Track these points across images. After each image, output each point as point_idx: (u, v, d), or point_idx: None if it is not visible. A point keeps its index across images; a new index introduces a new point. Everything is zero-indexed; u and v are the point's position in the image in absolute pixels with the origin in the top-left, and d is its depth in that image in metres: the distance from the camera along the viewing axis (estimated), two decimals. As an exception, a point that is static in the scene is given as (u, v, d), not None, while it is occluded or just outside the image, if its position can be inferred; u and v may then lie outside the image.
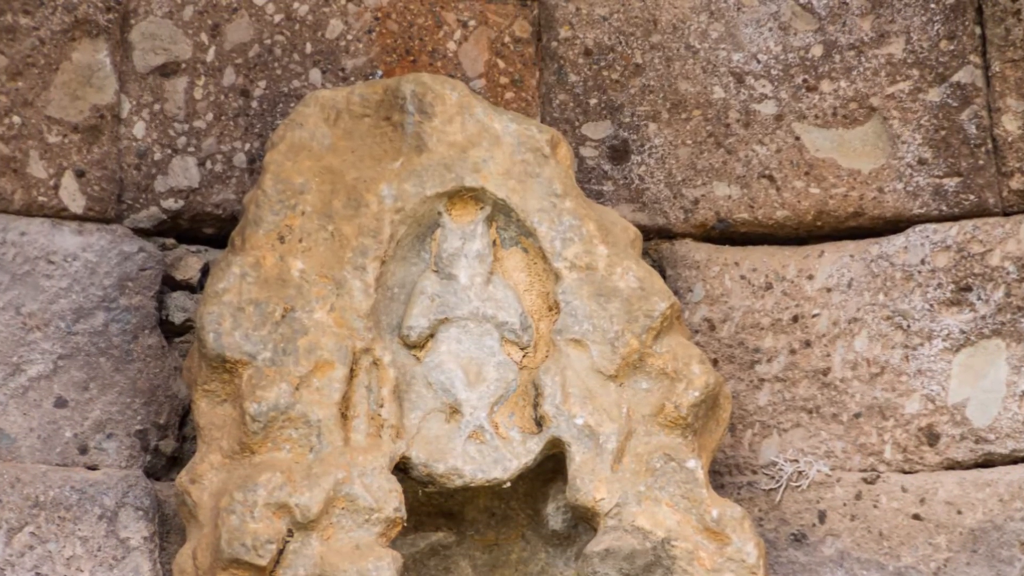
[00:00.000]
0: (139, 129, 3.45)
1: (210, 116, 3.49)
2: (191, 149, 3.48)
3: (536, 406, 3.08)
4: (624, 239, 3.21)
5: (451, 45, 3.61)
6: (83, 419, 3.27)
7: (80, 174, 3.35)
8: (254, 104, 3.52)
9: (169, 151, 3.46)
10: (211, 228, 3.49)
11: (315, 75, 3.54)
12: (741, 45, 3.54)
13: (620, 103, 3.56)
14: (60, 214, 3.35)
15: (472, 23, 3.62)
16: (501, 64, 3.61)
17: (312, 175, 3.13)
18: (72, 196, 3.35)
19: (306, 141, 3.17)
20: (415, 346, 3.12)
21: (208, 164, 3.49)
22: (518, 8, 3.65)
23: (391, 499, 2.95)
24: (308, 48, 3.54)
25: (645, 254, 3.41)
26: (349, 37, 3.55)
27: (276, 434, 2.97)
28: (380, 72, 3.55)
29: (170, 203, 3.46)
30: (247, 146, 3.50)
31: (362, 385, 3.03)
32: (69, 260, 3.31)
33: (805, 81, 3.52)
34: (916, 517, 3.34)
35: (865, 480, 3.39)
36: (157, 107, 3.47)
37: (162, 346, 3.38)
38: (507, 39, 3.63)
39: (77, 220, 3.36)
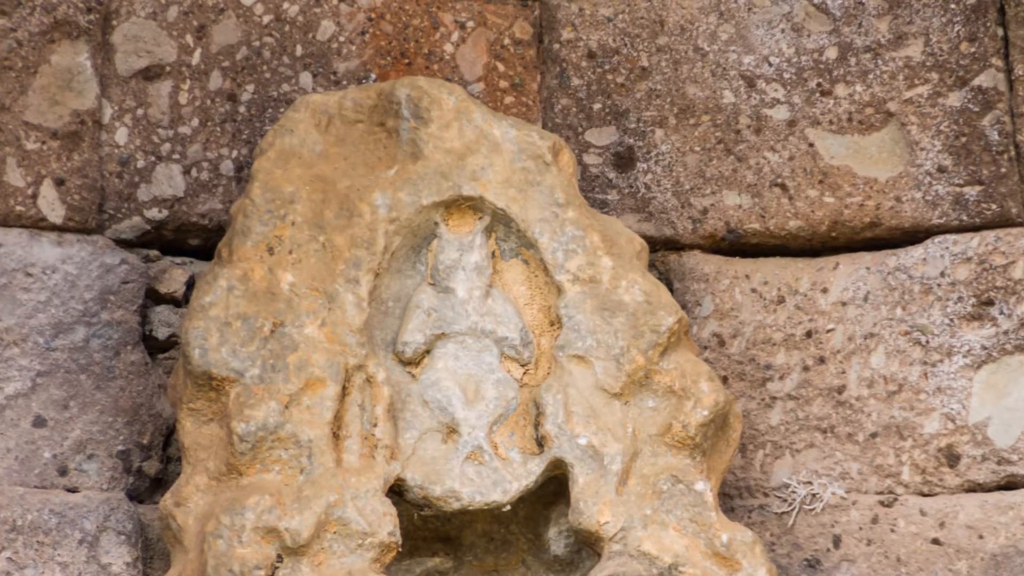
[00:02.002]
0: (121, 135, 3.46)
1: (196, 122, 3.50)
2: (176, 156, 3.48)
3: (537, 425, 3.08)
4: (629, 250, 3.21)
5: (448, 47, 3.62)
6: (63, 439, 3.27)
7: (60, 183, 3.36)
8: (242, 109, 3.53)
9: (153, 158, 3.47)
10: (197, 239, 3.50)
11: (305, 78, 3.56)
12: (752, 47, 3.55)
13: (625, 108, 3.57)
14: (38, 224, 3.35)
15: (470, 24, 3.63)
16: (501, 67, 3.63)
17: (303, 183, 3.14)
18: (51, 206, 3.35)
19: (296, 148, 3.18)
20: (411, 363, 3.13)
21: (193, 172, 3.50)
22: (518, 9, 3.66)
23: (385, 523, 2.96)
24: (299, 50, 3.55)
25: (651, 266, 3.41)
26: (341, 39, 3.56)
27: (265, 455, 2.97)
28: (374, 75, 3.56)
29: (153, 213, 3.47)
30: (234, 153, 3.51)
31: (355, 404, 3.04)
32: (48, 272, 3.32)
33: (819, 85, 3.53)
34: (935, 542, 3.35)
35: (882, 503, 3.40)
36: (140, 112, 3.48)
37: (145, 363, 3.38)
38: (507, 41, 3.64)
39: (56, 231, 3.36)
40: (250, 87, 3.53)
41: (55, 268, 3.32)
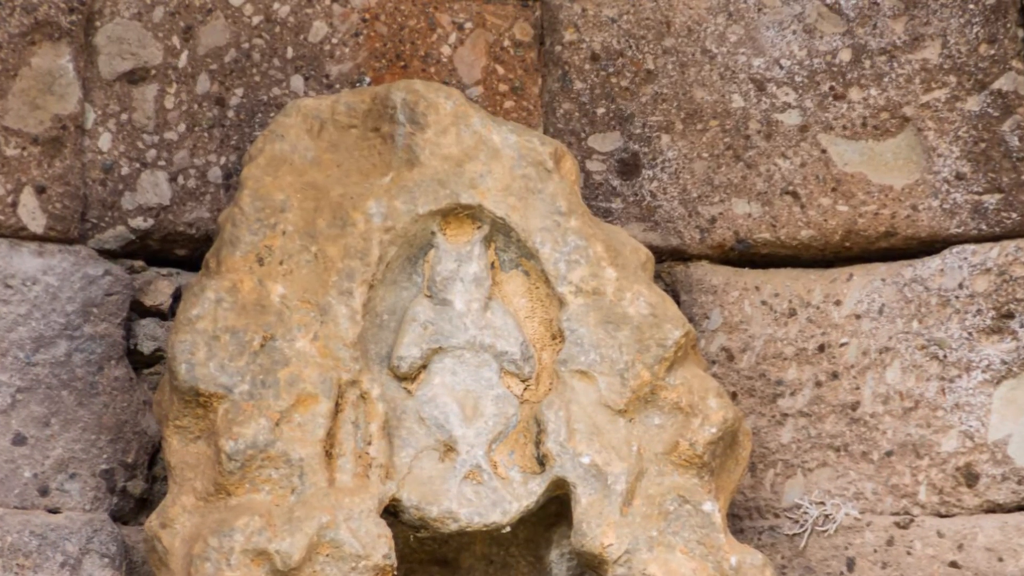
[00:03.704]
0: (105, 141, 3.47)
1: (182, 127, 3.51)
2: (161, 163, 3.49)
3: (538, 443, 3.08)
4: (634, 261, 3.22)
5: (445, 49, 3.63)
6: (44, 458, 3.28)
7: (41, 190, 3.36)
8: (230, 114, 3.53)
9: (137, 165, 3.48)
10: (183, 249, 3.51)
11: (297, 82, 3.57)
12: (762, 49, 3.56)
13: (630, 113, 3.58)
14: (19, 234, 3.35)
15: (468, 25, 3.64)
16: (500, 70, 3.64)
17: (294, 191, 3.14)
18: (32, 214, 3.36)
19: (287, 154, 3.18)
20: (406, 378, 3.13)
21: (180, 179, 3.50)
22: (519, 9, 3.67)
23: (380, 545, 2.96)
24: (289, 52, 3.56)
25: (657, 277, 3.42)
26: (334, 40, 3.57)
27: (254, 474, 2.98)
28: (368, 79, 3.57)
29: (138, 222, 3.48)
30: (223, 159, 3.52)
31: (348, 421, 3.04)
32: (28, 284, 3.32)
33: (832, 89, 3.54)
34: (953, 565, 3.36)
35: (898, 524, 3.40)
36: (124, 117, 3.48)
37: (130, 378, 3.39)
38: (507, 43, 3.65)
39: (37, 240, 3.36)
40: (239, 91, 3.54)
41: (36, 279, 3.33)
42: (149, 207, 3.48)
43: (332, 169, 3.19)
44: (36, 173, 3.38)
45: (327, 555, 2.94)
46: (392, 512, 3.05)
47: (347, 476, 3.02)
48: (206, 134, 3.51)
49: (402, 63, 3.59)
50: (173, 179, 3.49)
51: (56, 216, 3.39)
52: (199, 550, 2.93)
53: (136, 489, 3.36)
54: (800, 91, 3.53)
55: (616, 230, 3.30)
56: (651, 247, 3.37)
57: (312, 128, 3.22)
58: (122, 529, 3.31)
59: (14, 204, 3.36)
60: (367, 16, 3.58)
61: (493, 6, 3.65)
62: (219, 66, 3.53)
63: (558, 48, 3.62)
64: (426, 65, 3.60)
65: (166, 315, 3.46)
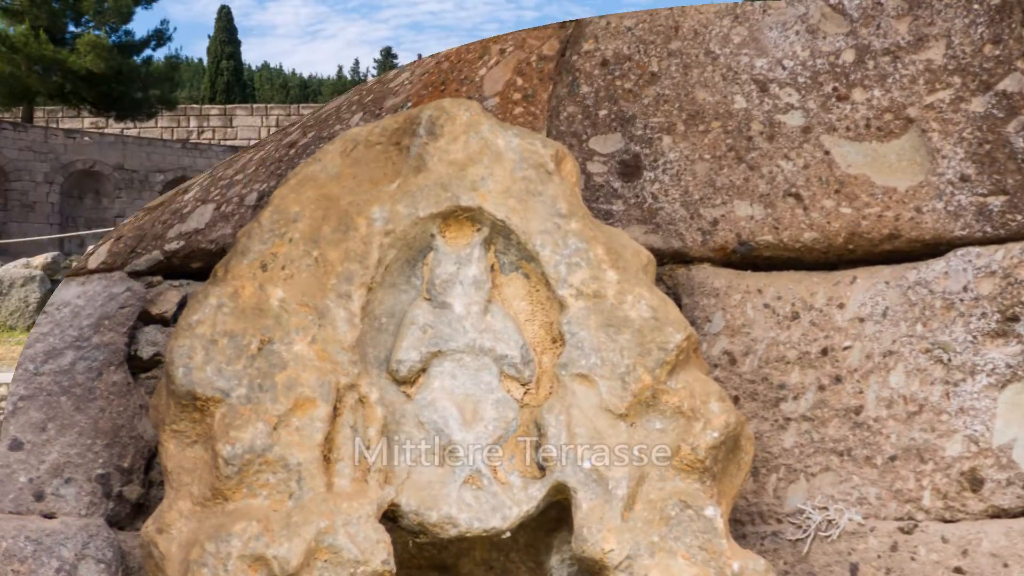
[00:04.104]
0: (193, 192, 3.62)
1: (252, 168, 3.62)
2: (216, 197, 3.61)
3: (538, 448, 3.08)
4: (636, 264, 3.22)
5: (482, 71, 3.70)
6: (39, 462, 3.29)
7: (118, 239, 3.49)
8: (292, 152, 3.65)
9: (199, 203, 3.60)
10: (199, 262, 3.57)
11: (356, 118, 3.67)
12: (765, 50, 3.56)
13: (632, 114, 3.58)
14: (78, 273, 3.48)
15: (509, 49, 3.72)
16: (519, 81, 3.68)
17: (309, 203, 3.15)
18: (99, 257, 3.51)
19: (316, 173, 3.21)
20: (405, 381, 3.13)
21: (223, 207, 3.60)
22: (555, 30, 3.74)
23: (378, 550, 2.96)
24: (367, 97, 3.68)
25: (659, 280, 3.42)
26: (405, 82, 3.70)
27: (252, 479, 2.98)
28: (409, 104, 3.64)
29: (172, 245, 3.57)
30: (263, 187, 3.60)
31: (347, 425, 3.04)
32: (60, 308, 3.39)
33: (835, 89, 3.54)
34: (958, 571, 3.36)
35: (902, 529, 3.40)
36: (219, 172, 3.63)
37: (127, 383, 3.39)
38: (533, 58, 3.71)
39: (87, 274, 3.50)
40: (311, 133, 3.67)
41: (67, 303, 3.42)
42: (186, 232, 3.58)
43: (348, 181, 3.22)
44: (125, 229, 3.52)
45: (325, 561, 2.94)
46: (391, 517, 3.05)
47: (345, 481, 3.02)
48: (264, 170, 3.62)
49: (442, 87, 3.68)
50: (218, 207, 3.59)
51: (115, 253, 3.53)
52: (196, 556, 2.93)
53: (132, 494, 3.36)
54: (803, 92, 3.53)
55: (617, 232, 3.30)
56: (652, 249, 3.37)
57: (346, 149, 3.26)
58: (118, 534, 3.32)
59: (92, 254, 3.48)
60: (442, 59, 3.74)
61: (537, 30, 3.75)
62: (314, 121, 3.68)
63: (575, 58, 3.65)
64: (460, 86, 3.67)
65: (169, 322, 3.48)
